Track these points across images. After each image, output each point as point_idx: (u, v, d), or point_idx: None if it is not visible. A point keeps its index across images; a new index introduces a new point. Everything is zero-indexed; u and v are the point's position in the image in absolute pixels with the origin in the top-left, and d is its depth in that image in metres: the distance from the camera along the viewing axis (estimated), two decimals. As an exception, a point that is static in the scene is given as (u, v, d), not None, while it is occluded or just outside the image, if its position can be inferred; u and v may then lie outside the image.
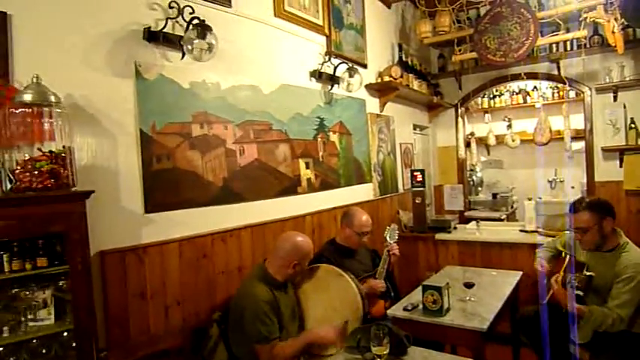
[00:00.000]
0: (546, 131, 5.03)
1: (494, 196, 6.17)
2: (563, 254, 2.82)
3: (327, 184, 3.41)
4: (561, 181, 6.47)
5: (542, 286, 2.67)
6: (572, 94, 5.64)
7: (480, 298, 2.63)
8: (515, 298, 2.99)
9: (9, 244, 1.59)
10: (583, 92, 4.95)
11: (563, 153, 5.65)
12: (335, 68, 3.45)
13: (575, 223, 2.54)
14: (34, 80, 1.63)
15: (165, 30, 2.21)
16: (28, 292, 1.68)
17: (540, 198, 5.99)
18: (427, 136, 5.83)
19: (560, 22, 4.25)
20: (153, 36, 2.17)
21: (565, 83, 4.91)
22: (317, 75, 3.34)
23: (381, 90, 4.24)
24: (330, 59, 3.44)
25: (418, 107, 5.43)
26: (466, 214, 5.59)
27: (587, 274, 2.39)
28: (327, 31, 3.49)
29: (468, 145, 6.07)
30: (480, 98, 6.40)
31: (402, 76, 4.29)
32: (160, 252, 2.17)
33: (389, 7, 4.69)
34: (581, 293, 2.37)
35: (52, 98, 1.65)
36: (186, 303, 2.29)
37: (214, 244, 2.45)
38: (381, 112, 4.34)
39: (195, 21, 2.19)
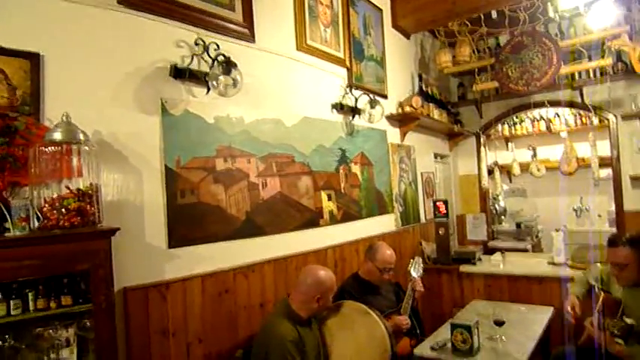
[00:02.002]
0: (572, 160, 4.92)
1: (518, 225, 6.01)
2: (596, 289, 2.70)
3: (349, 215, 3.37)
4: (587, 210, 6.30)
5: (568, 328, 2.55)
6: (595, 120, 5.54)
7: (511, 337, 2.53)
8: (547, 336, 2.86)
9: (35, 282, 1.58)
10: (608, 119, 4.85)
11: (588, 180, 5.51)
12: (356, 100, 3.46)
13: (613, 258, 2.43)
14: (64, 119, 1.66)
15: (191, 66, 2.24)
16: (51, 331, 1.66)
17: (565, 227, 5.84)
18: (448, 164, 5.77)
19: (583, 50, 4.21)
20: (179, 72, 2.21)
21: (590, 111, 4.83)
22: (338, 107, 3.35)
23: (402, 120, 4.23)
24: (351, 91, 3.46)
25: (439, 136, 5.40)
26: (489, 244, 5.45)
27: (629, 322, 2.25)
28: (348, 63, 3.51)
29: (490, 173, 5.95)
30: (500, 125, 6.34)
31: (422, 106, 4.28)
32: (182, 288, 2.15)
33: (408, 38, 4.73)
34: (620, 341, 2.23)
35: (81, 136, 1.67)
36: (208, 340, 2.24)
37: (236, 279, 2.42)
38: (401, 141, 4.31)
39: (221, 57, 2.23)
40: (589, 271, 2.87)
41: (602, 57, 4.15)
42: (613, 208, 5.07)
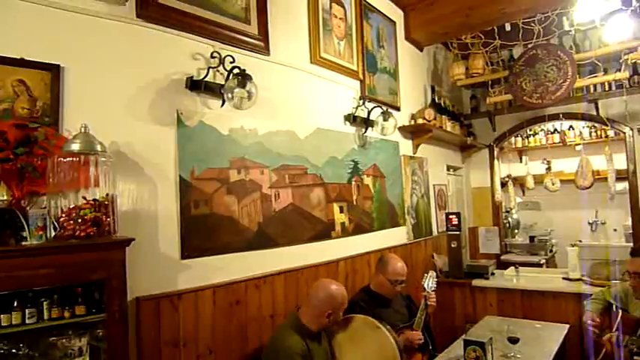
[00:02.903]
0: (589, 175, 4.85)
1: (532, 239, 5.94)
2: (614, 307, 2.64)
3: (360, 228, 3.35)
4: (602, 224, 6.19)
5: (592, 345, 2.49)
6: (610, 133, 5.46)
7: (526, 355, 2.48)
8: (562, 354, 2.80)
9: (50, 291, 1.59)
10: (624, 132, 4.79)
11: (603, 194, 5.43)
12: (369, 112, 3.46)
13: (636, 268, 2.38)
14: (82, 129, 1.68)
15: (206, 79, 2.27)
16: (65, 340, 1.66)
17: (580, 241, 5.75)
18: (460, 176, 5.73)
19: (599, 64, 4.18)
20: (195, 85, 2.23)
21: (607, 125, 4.77)
22: (351, 119, 3.35)
23: (415, 132, 4.22)
24: (364, 103, 3.46)
25: (451, 148, 5.37)
26: (502, 257, 5.37)
27: None
28: (361, 75, 3.52)
29: (503, 185, 5.89)
30: (513, 138, 6.28)
31: (435, 118, 4.27)
32: (194, 299, 2.15)
33: (421, 50, 4.73)
34: None
35: (98, 147, 1.69)
36: (218, 351, 2.23)
37: (248, 290, 2.41)
38: (414, 153, 4.30)
39: (236, 70, 2.24)
40: (607, 289, 2.81)
41: (619, 70, 4.11)
42: (629, 222, 4.98)
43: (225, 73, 2.30)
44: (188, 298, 2.12)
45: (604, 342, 2.38)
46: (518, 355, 2.44)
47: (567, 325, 2.97)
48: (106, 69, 1.94)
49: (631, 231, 4.94)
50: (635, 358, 2.18)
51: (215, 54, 2.33)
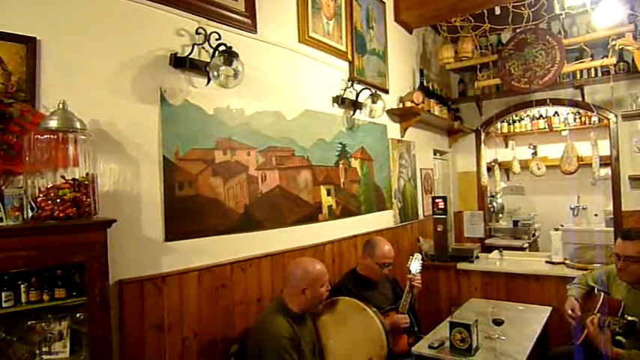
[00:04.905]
0: (574, 160, 4.90)
1: (515, 223, 6.02)
2: (595, 290, 2.68)
3: (348, 211, 3.33)
4: (584, 209, 6.29)
5: (576, 328, 2.52)
6: (594, 119, 5.51)
7: (509, 336, 2.51)
8: (544, 335, 2.84)
9: (28, 274, 1.54)
10: (608, 119, 4.84)
11: (586, 180, 5.51)
12: (357, 94, 3.41)
13: (626, 251, 2.40)
14: (60, 106, 1.61)
15: (191, 56, 2.19)
16: (44, 324, 1.62)
17: (562, 226, 5.84)
18: (447, 161, 5.75)
19: (586, 49, 4.18)
20: (179, 62, 2.15)
21: (592, 111, 4.80)
22: (340, 100, 3.30)
23: (403, 115, 4.19)
24: (352, 85, 3.41)
25: (438, 132, 5.37)
26: (487, 241, 5.44)
27: (630, 319, 2.23)
28: (350, 56, 3.46)
29: (489, 170, 5.92)
30: (499, 123, 6.31)
31: (423, 102, 4.24)
32: (178, 281, 2.11)
33: (410, 32, 4.67)
34: (622, 339, 2.21)
35: (78, 124, 1.62)
36: (203, 335, 2.21)
37: (234, 273, 2.38)
38: (402, 137, 4.28)
39: (222, 47, 2.17)
40: (589, 273, 2.85)
41: (607, 56, 4.12)
42: (611, 207, 5.07)
43: (211, 51, 2.23)
44: (172, 281, 2.08)
45: (587, 324, 2.41)
46: (503, 337, 2.47)
47: (550, 308, 3.02)
48: (86, 43, 1.85)
49: (612, 216, 5.02)
50: (617, 338, 2.22)
51: (200, 30, 2.24)
